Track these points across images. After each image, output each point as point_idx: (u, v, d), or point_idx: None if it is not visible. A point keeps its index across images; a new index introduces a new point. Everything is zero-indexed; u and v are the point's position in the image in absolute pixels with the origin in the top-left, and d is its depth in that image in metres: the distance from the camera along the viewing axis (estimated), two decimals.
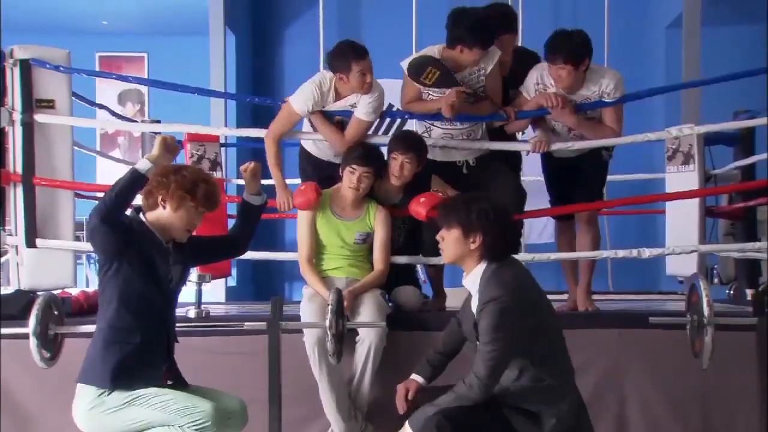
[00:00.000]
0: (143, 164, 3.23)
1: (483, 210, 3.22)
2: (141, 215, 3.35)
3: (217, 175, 6.22)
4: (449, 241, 3.28)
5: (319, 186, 4.51)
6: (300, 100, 4.62)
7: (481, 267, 3.25)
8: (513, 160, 5.06)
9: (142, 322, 3.30)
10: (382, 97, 4.66)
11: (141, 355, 3.28)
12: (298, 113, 4.65)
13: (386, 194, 4.60)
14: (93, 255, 3.53)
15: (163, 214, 3.33)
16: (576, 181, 4.92)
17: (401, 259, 4.59)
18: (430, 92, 4.72)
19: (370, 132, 4.79)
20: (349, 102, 4.64)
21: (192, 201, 3.32)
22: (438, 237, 3.33)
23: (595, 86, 4.66)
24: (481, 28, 4.58)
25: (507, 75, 4.87)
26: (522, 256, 4.91)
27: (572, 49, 4.53)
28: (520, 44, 5.43)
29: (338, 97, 4.64)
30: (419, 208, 4.43)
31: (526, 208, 4.92)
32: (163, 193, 3.30)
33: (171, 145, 3.30)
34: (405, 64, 4.75)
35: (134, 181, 3.22)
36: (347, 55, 4.52)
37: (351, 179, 4.39)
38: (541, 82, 4.73)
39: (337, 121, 4.69)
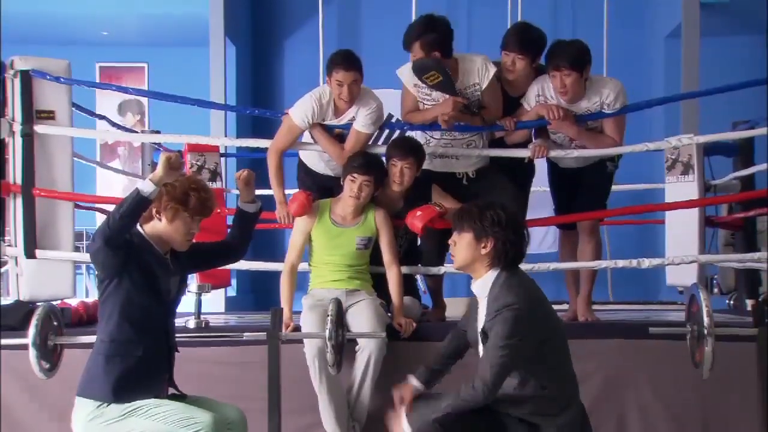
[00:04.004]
0: (147, 186, 3.14)
1: (496, 216, 3.23)
2: (139, 227, 3.33)
3: (217, 185, 6.23)
4: (461, 245, 3.29)
5: (314, 197, 4.53)
6: (299, 113, 4.63)
7: (492, 274, 3.26)
8: (522, 176, 5.02)
9: (143, 334, 3.29)
10: (381, 110, 4.67)
11: (142, 367, 3.27)
12: (298, 126, 4.65)
13: (388, 202, 4.60)
14: (93, 266, 3.49)
15: (159, 225, 3.33)
16: (580, 191, 4.92)
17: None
18: (425, 102, 4.73)
19: (369, 143, 4.79)
20: (348, 117, 4.64)
21: (186, 211, 3.31)
22: (450, 241, 3.35)
23: (596, 97, 4.67)
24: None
25: (521, 96, 4.84)
26: (522, 266, 4.91)
27: (576, 54, 4.57)
28: None
29: (337, 109, 4.64)
30: (416, 221, 4.43)
31: (530, 217, 4.92)
32: (156, 206, 3.28)
33: (175, 163, 3.23)
34: (401, 71, 4.77)
35: (138, 204, 3.15)
36: (334, 61, 4.55)
37: (352, 188, 4.40)
38: (542, 94, 4.73)
39: (337, 134, 4.69)
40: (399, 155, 4.50)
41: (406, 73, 4.75)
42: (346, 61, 4.52)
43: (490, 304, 3.20)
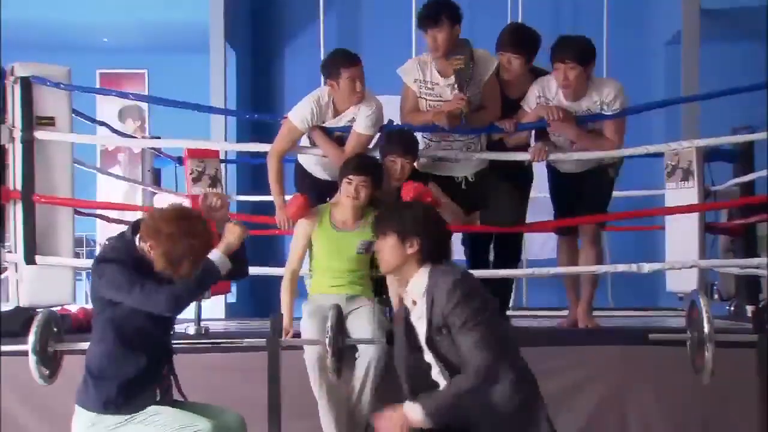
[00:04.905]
0: (219, 260, 3.21)
1: (416, 214, 3.21)
2: (137, 240, 3.26)
3: (217, 191, 6.22)
4: (386, 248, 3.21)
5: (312, 201, 4.53)
6: (299, 115, 4.64)
7: (424, 271, 3.18)
8: (522, 180, 5.03)
9: (138, 350, 3.26)
10: (381, 111, 4.67)
11: (135, 381, 3.25)
12: (298, 129, 4.65)
13: (385, 199, 4.60)
14: (93, 277, 3.42)
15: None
16: (581, 197, 4.93)
17: None
18: (427, 97, 4.74)
19: (370, 147, 4.80)
20: (347, 118, 4.65)
21: (171, 269, 3.22)
22: (374, 248, 3.30)
23: (597, 95, 4.69)
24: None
25: (520, 97, 4.87)
26: (522, 271, 4.94)
27: (581, 48, 4.61)
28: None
29: (336, 112, 4.65)
30: (409, 188, 4.45)
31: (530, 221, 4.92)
32: (151, 244, 3.20)
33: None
34: (402, 69, 4.80)
35: (212, 277, 3.23)
36: (337, 62, 4.56)
37: (349, 190, 4.39)
38: (543, 95, 4.75)
39: (337, 137, 4.70)
40: (399, 152, 4.52)
41: (407, 70, 4.79)
42: (351, 57, 4.57)
43: (435, 297, 3.10)
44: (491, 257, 5.07)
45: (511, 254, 5.09)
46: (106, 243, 3.42)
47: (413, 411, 3.03)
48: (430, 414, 3.01)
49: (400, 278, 3.29)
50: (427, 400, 3.04)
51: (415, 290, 3.21)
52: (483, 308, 3.06)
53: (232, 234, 3.25)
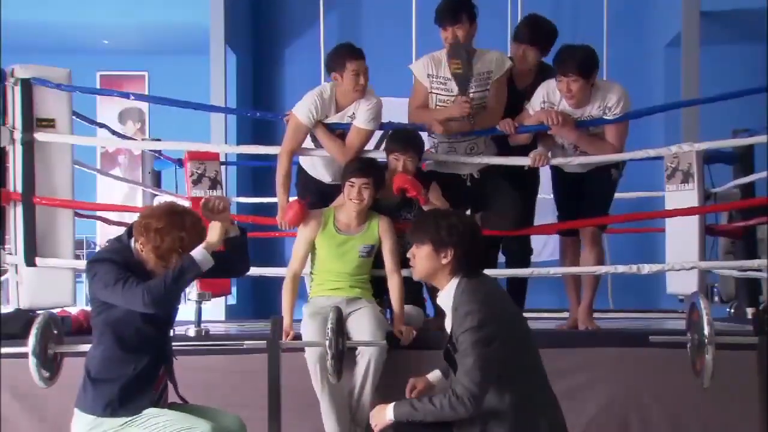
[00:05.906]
0: (202, 256, 3.17)
1: (452, 225, 3.20)
2: (133, 243, 3.27)
3: (217, 193, 6.22)
4: (420, 257, 3.24)
5: (317, 205, 4.53)
6: (303, 109, 4.66)
7: (454, 282, 3.21)
8: (527, 178, 5.03)
9: (136, 352, 3.27)
10: (380, 106, 4.70)
11: (133, 384, 3.25)
12: (303, 124, 4.67)
13: (387, 196, 4.61)
14: (90, 281, 3.38)
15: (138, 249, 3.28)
16: (584, 197, 4.93)
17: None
18: (439, 93, 4.76)
19: (371, 147, 4.81)
20: (348, 113, 4.67)
21: (162, 263, 3.24)
22: (409, 254, 3.30)
23: (601, 101, 4.70)
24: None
25: (525, 88, 4.93)
26: (521, 271, 4.93)
27: (583, 60, 4.60)
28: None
29: (338, 107, 4.67)
30: (398, 179, 4.49)
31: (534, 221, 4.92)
32: (142, 240, 3.22)
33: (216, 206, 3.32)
34: (413, 65, 4.86)
35: (196, 275, 3.20)
36: (343, 54, 4.60)
37: (351, 192, 4.41)
38: (548, 100, 4.76)
39: (339, 135, 4.71)
40: (400, 149, 4.56)
41: (418, 65, 4.84)
42: (356, 51, 4.60)
43: (453, 314, 3.16)
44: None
45: (518, 252, 5.10)
46: (105, 245, 3.43)
47: (387, 412, 3.13)
48: (399, 419, 3.12)
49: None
50: (402, 406, 3.12)
51: (444, 302, 3.26)
52: (489, 340, 3.04)
53: (213, 232, 3.24)
